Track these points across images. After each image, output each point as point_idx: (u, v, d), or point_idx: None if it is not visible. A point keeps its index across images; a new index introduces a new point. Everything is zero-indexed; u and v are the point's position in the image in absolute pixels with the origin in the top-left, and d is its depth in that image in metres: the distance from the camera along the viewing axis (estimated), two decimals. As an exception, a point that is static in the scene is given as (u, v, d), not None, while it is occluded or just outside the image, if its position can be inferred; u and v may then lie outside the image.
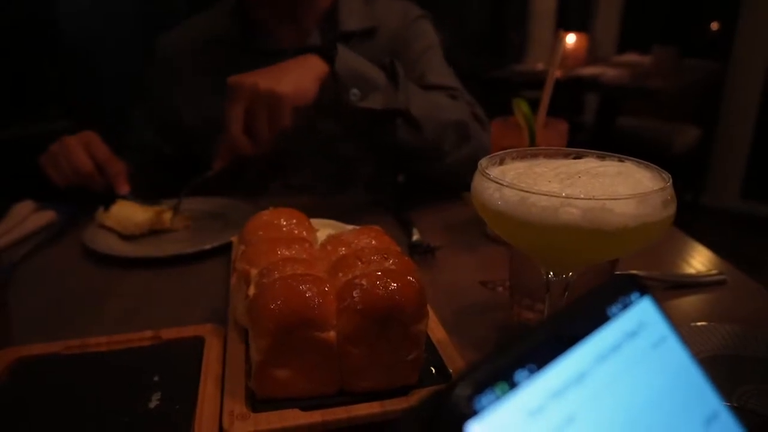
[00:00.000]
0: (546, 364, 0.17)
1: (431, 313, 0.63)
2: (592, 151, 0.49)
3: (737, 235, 3.55)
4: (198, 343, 0.57)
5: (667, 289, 0.74)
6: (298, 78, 0.88)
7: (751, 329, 0.61)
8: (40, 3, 2.24)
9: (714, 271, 0.78)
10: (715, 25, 3.87)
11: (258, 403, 0.48)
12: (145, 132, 1.19)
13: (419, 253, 0.83)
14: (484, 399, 0.15)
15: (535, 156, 0.50)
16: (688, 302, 0.72)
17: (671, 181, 0.42)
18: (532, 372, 0.17)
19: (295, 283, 0.48)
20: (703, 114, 3.58)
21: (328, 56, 0.92)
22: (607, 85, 2.75)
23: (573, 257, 0.44)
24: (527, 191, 0.40)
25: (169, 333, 0.58)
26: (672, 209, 0.41)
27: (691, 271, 0.79)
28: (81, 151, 0.95)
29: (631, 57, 3.32)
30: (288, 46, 1.12)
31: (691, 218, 3.70)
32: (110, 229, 0.88)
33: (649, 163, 0.46)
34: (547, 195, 0.39)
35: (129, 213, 0.86)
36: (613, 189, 0.41)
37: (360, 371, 0.49)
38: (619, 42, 4.08)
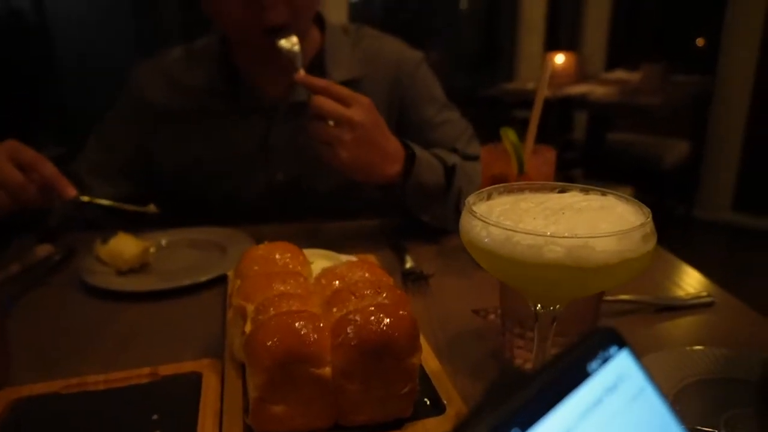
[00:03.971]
0: (532, 425, 0.18)
1: (424, 344, 0.64)
2: (577, 185, 0.51)
3: (729, 246, 3.59)
4: (196, 378, 0.57)
5: (656, 312, 0.75)
6: (380, 160, 0.91)
7: (737, 352, 0.63)
8: (34, 30, 2.26)
9: (703, 293, 0.80)
10: (701, 41, 3.94)
11: (256, 439, 0.48)
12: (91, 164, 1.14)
13: (412, 280, 0.84)
14: None
15: (521, 190, 0.51)
16: (677, 325, 0.73)
17: (651, 216, 0.43)
18: (524, 427, 0.18)
19: (290, 320, 0.49)
20: (692, 128, 3.63)
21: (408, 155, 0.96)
22: (595, 103, 2.79)
23: (558, 292, 0.45)
24: (512, 230, 0.41)
25: (167, 369, 0.59)
26: (652, 243, 0.42)
27: (680, 292, 0.81)
28: (5, 161, 0.83)
29: (619, 74, 3.37)
30: (276, 99, 1.12)
31: (684, 231, 3.73)
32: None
33: (630, 198, 0.47)
34: (532, 234, 0.40)
35: (121, 248, 0.87)
36: (596, 224, 0.43)
37: (355, 405, 0.50)
38: (607, 59, 4.15)
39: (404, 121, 1.19)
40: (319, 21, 1.17)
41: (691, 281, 0.85)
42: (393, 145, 0.94)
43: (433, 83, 1.24)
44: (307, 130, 0.89)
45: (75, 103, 2.33)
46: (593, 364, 0.21)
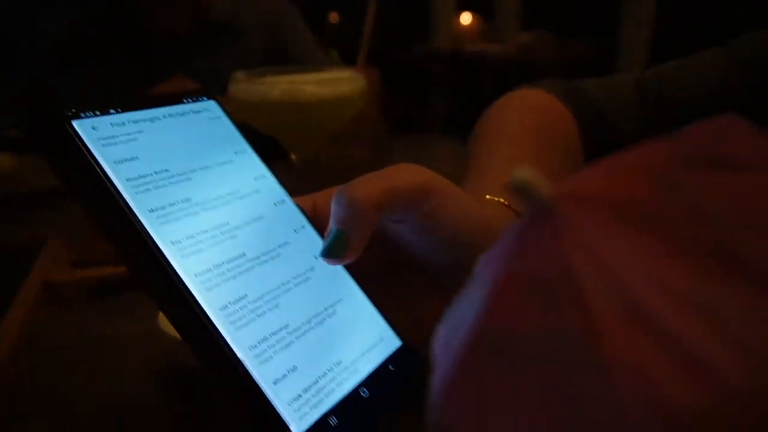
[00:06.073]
0: (134, 109, 0.34)
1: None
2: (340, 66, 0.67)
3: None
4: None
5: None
6: None
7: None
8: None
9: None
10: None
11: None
12: None
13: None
14: (85, 116, 0.31)
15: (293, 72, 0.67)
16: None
17: (360, 78, 0.60)
18: (119, 111, 0.33)
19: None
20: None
21: None
22: (492, 60, 3.01)
23: (293, 130, 0.61)
24: (257, 83, 0.58)
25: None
26: (344, 90, 0.59)
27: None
28: None
29: (521, 37, 3.60)
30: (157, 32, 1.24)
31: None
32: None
33: (358, 72, 0.64)
34: (267, 85, 0.57)
35: None
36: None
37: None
38: (522, 24, 4.38)
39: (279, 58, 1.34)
40: None
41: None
42: None
43: (306, 30, 1.39)
44: None
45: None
46: (189, 100, 0.37)
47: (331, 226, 0.32)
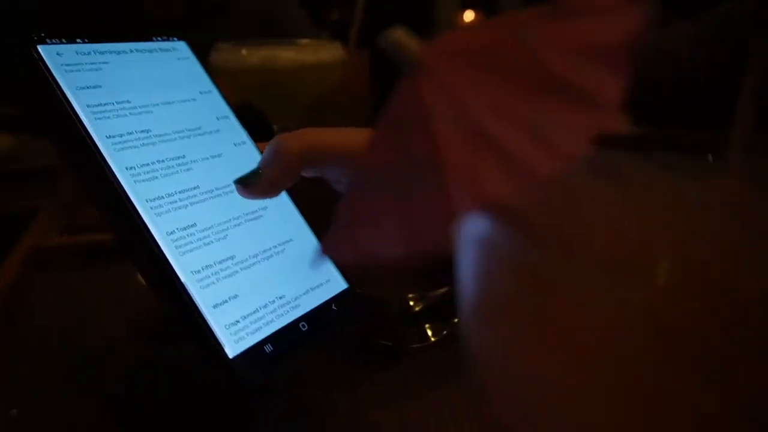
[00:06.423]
0: (102, 41, 0.35)
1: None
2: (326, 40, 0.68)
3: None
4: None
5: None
6: None
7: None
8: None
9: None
10: None
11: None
12: None
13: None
14: (51, 42, 0.32)
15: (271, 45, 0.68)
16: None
17: (337, 47, 0.61)
18: (86, 41, 0.34)
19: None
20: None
21: None
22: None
23: (273, 97, 0.62)
24: (238, 52, 0.59)
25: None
26: (321, 57, 0.60)
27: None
28: None
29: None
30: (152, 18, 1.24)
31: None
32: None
33: (342, 45, 0.65)
34: (247, 52, 0.58)
35: None
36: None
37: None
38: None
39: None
40: None
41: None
42: None
43: (298, 8, 1.40)
44: None
45: None
46: (160, 39, 0.38)
47: (257, 163, 0.33)
